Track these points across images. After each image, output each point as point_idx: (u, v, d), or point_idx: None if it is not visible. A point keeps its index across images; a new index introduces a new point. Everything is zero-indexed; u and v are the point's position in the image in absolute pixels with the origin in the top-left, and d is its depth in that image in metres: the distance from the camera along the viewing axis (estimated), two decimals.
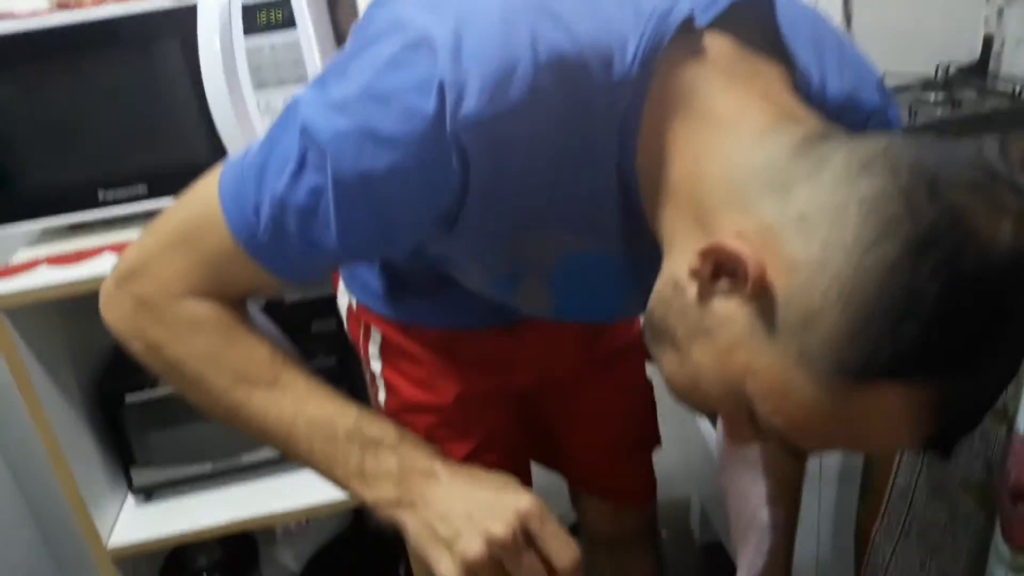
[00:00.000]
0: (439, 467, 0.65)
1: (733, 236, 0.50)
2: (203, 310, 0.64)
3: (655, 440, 1.16)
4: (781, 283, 0.48)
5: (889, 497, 1.13)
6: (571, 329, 0.93)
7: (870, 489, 1.16)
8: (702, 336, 0.53)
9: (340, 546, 1.58)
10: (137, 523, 1.36)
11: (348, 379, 1.28)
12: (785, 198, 0.49)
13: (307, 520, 1.65)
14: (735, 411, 0.54)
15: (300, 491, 1.36)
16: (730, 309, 0.51)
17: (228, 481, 1.41)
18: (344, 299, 0.99)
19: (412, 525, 0.63)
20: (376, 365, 0.97)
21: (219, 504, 1.37)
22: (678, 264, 0.55)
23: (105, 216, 1.22)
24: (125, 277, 0.65)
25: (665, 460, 1.19)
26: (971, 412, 0.50)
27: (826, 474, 1.37)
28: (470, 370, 0.94)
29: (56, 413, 1.23)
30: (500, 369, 0.95)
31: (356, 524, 1.70)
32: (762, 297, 0.49)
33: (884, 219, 0.45)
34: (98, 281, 0.69)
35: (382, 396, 1.04)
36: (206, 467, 1.37)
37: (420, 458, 0.65)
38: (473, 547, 0.59)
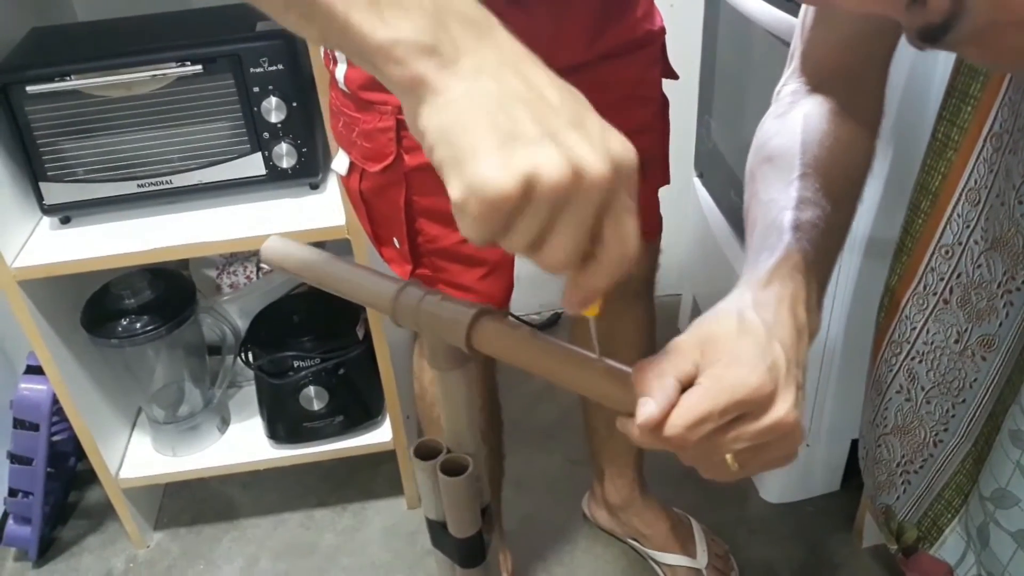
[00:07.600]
0: (494, 22, 0.40)
1: None
2: None
3: (663, 177, 1.08)
4: None
5: (930, 256, 0.96)
6: (578, 9, 0.87)
7: (904, 251, 0.99)
8: None
9: (291, 302, 1.41)
10: (50, 246, 1.17)
11: None
12: None
13: (257, 273, 1.48)
14: None
15: (240, 221, 1.17)
16: None
17: (158, 207, 1.21)
18: None
19: (449, 97, 0.37)
20: None
21: (146, 230, 1.18)
22: None
23: None
24: None
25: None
26: None
27: (850, 243, 1.21)
28: None
29: None
30: None
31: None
32: None
33: None
34: None
35: (341, 69, 0.86)
36: (130, 187, 1.17)
37: (464, 1, 0.40)
38: (553, 163, 0.36)
